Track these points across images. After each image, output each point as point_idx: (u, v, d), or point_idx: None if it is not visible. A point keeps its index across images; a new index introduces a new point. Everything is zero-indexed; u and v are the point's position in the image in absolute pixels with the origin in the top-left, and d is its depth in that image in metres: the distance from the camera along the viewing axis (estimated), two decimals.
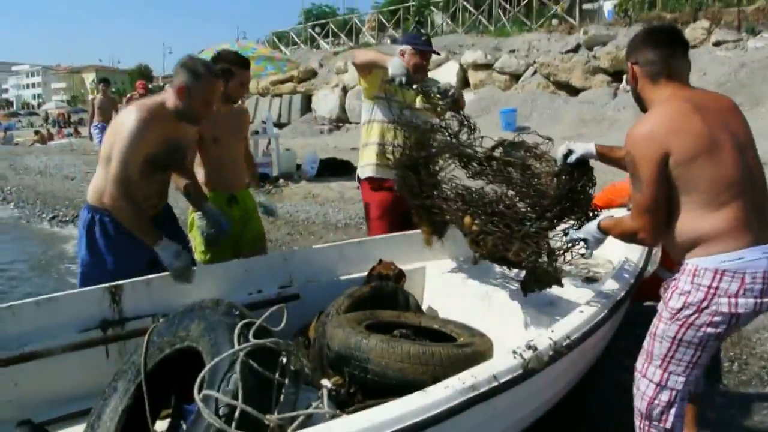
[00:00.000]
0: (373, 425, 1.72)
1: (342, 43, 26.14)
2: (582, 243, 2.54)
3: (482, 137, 3.01)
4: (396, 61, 3.37)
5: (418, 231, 3.68)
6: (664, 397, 2.16)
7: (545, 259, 2.68)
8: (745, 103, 10.05)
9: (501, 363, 2.09)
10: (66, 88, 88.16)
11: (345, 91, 19.23)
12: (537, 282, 2.79)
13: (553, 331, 2.30)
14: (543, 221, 2.69)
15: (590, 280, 3.47)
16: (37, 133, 24.84)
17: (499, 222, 2.79)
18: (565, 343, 2.26)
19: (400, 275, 3.24)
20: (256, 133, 10.22)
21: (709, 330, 2.06)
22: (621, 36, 14.76)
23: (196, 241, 3.55)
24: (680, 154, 2.01)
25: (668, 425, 2.18)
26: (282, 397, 1.88)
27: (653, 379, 2.18)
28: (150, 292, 2.88)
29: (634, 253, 3.20)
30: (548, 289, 3.02)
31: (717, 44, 13.22)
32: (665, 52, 2.18)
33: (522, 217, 2.75)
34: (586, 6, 19.23)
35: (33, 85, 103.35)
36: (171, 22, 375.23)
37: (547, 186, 2.75)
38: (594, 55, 14.69)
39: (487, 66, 16.63)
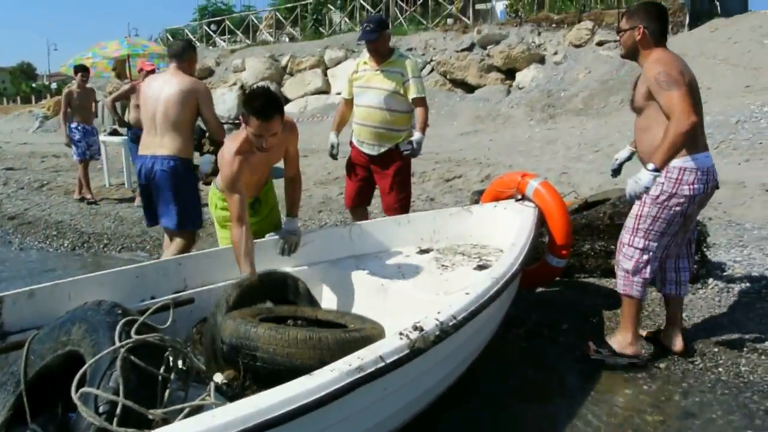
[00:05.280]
0: (259, 410, 1.73)
1: (239, 40, 25.62)
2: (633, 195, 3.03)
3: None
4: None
5: (315, 230, 3.74)
6: (645, 257, 3.22)
7: None
8: (625, 99, 10.74)
9: (388, 344, 2.16)
10: None
11: (243, 89, 18.87)
12: None
13: (439, 312, 2.40)
14: None
15: (482, 267, 3.63)
16: None
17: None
18: (451, 323, 2.36)
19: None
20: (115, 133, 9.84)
21: (676, 209, 3.09)
22: (513, 35, 15.35)
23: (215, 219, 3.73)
24: None
25: (646, 276, 3.25)
26: (168, 393, 1.86)
27: (638, 246, 3.22)
28: (33, 303, 2.74)
29: (520, 240, 3.38)
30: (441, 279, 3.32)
31: (600, 44, 13.98)
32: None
33: None
34: (479, 6, 19.84)
35: None
36: (55, 17, 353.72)
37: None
38: (488, 54, 15.19)
39: None
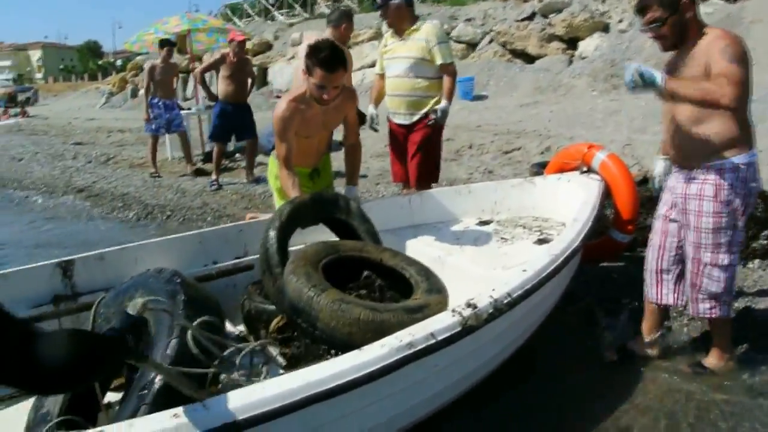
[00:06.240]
0: (309, 383, 1.76)
1: (297, 14, 25.69)
2: (638, 77, 2.53)
3: None
4: None
5: (375, 199, 3.72)
6: (731, 273, 2.85)
7: None
8: None
9: (439, 321, 2.13)
10: (11, 66, 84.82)
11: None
12: None
13: (494, 289, 2.34)
14: None
15: (542, 241, 3.55)
16: None
17: None
18: (506, 301, 2.31)
19: None
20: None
21: (749, 210, 2.81)
22: (575, 3, 14.83)
23: (275, 189, 3.64)
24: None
25: (734, 291, 2.96)
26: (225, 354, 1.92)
27: (725, 263, 2.81)
28: (103, 265, 2.87)
29: (583, 215, 3.28)
30: (500, 253, 3.25)
31: None
32: None
33: None
34: None
35: None
36: None
37: None
38: (549, 23, 14.75)
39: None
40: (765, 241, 4.08)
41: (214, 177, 7.71)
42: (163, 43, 8.54)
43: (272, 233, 2.76)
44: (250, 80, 7.88)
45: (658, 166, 3.24)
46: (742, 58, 2.55)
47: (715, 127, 2.68)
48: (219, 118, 7.54)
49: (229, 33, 8.58)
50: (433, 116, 4.35)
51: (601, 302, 3.79)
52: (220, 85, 7.54)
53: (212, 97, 7.76)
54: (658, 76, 2.51)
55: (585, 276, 3.90)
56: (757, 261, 4.07)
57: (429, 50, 4.30)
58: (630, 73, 2.55)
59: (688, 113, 2.77)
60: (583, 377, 3.08)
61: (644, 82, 2.51)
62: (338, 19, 4.69)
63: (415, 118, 4.43)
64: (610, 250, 4.07)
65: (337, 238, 3.12)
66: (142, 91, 8.64)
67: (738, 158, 2.70)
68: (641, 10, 2.75)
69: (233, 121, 7.53)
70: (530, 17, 15.35)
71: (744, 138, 2.71)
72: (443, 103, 4.33)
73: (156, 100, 8.40)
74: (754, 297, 3.65)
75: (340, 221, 3.10)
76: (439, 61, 4.31)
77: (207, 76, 8.22)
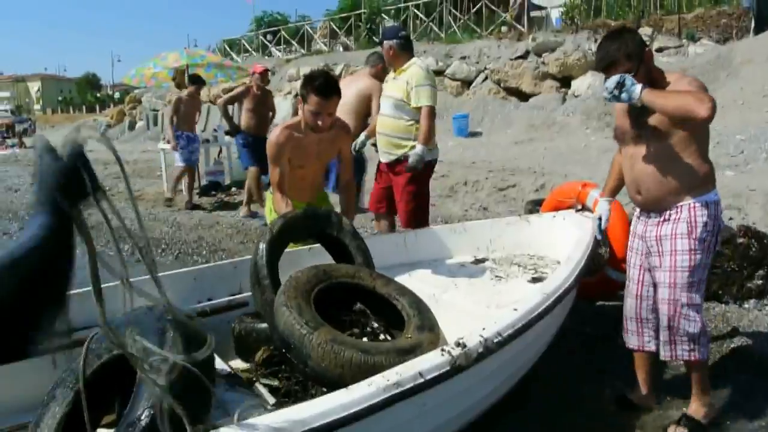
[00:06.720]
0: (294, 422, 1.73)
1: (294, 50, 26.04)
2: (615, 89, 2.60)
3: None
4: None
5: (369, 236, 3.72)
6: (701, 311, 2.83)
7: None
8: None
9: (428, 360, 2.10)
10: (9, 97, 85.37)
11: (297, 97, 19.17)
12: None
13: (484, 328, 2.32)
14: None
15: (537, 279, 3.55)
16: None
17: None
18: (496, 341, 2.28)
19: None
20: (207, 141, 10.08)
21: (714, 246, 2.82)
22: (568, 42, 15.09)
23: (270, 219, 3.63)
24: None
25: (707, 330, 2.97)
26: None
27: (698, 302, 2.79)
28: None
29: (576, 254, 3.28)
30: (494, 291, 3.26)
31: (660, 50, 13.61)
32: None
33: None
34: (534, 13, 19.61)
35: None
36: (119, 29, 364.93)
37: None
38: (543, 61, 14.98)
39: (439, 72, 16.78)
40: (760, 281, 4.10)
41: (245, 210, 7.79)
42: (194, 80, 8.88)
43: (262, 245, 2.83)
44: (271, 113, 8.08)
45: (603, 206, 3.30)
46: (706, 90, 2.63)
47: (684, 167, 2.71)
48: (245, 147, 7.76)
49: (252, 66, 8.79)
50: (406, 159, 4.31)
51: (596, 342, 3.78)
52: (243, 118, 7.74)
53: (233, 127, 7.91)
54: (638, 86, 2.56)
55: (580, 313, 3.89)
56: (752, 301, 4.08)
57: (408, 92, 4.26)
58: (614, 81, 2.61)
59: (656, 154, 2.76)
60: (578, 425, 3.03)
61: (622, 91, 2.58)
62: (376, 61, 5.81)
63: (392, 158, 4.40)
64: (606, 288, 4.08)
65: (328, 252, 3.20)
66: (140, 123, 8.78)
67: (707, 196, 2.76)
68: (607, 67, 2.73)
69: (255, 151, 7.63)
70: (524, 56, 15.60)
71: (710, 176, 2.79)
72: (417, 147, 4.20)
73: (180, 133, 8.49)
74: (749, 337, 3.65)
75: (332, 237, 3.14)
76: (413, 103, 4.24)
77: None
